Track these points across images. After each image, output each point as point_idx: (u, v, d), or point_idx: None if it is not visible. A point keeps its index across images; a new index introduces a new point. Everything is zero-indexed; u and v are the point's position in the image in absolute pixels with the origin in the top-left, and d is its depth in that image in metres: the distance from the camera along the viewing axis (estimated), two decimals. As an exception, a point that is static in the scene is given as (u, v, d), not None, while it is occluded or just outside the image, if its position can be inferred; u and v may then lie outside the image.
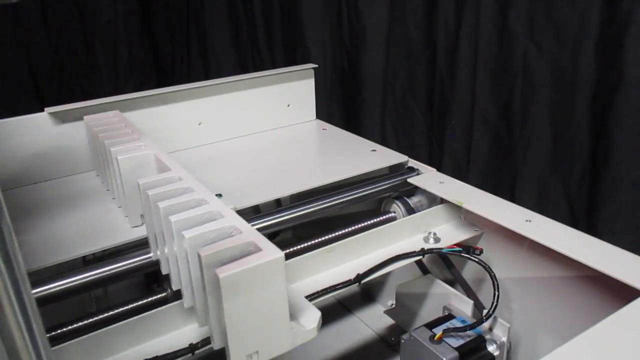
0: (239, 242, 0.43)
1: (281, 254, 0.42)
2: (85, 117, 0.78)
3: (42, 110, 0.80)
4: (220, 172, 0.84)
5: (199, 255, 0.42)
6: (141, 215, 0.66)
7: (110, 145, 0.66)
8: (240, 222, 0.47)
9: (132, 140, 0.68)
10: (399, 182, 0.81)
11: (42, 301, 0.57)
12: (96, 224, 0.68)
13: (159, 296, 0.64)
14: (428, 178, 0.80)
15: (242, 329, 0.42)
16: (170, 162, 0.61)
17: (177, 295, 0.54)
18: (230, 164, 0.88)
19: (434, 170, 0.83)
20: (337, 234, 0.73)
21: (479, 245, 0.73)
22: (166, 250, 0.51)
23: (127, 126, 0.74)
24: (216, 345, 0.45)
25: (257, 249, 0.43)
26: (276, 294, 0.43)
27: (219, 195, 0.69)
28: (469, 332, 0.64)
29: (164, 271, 0.55)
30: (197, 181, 0.55)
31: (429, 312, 0.75)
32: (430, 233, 0.72)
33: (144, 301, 0.63)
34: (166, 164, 0.60)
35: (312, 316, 0.46)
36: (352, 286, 0.62)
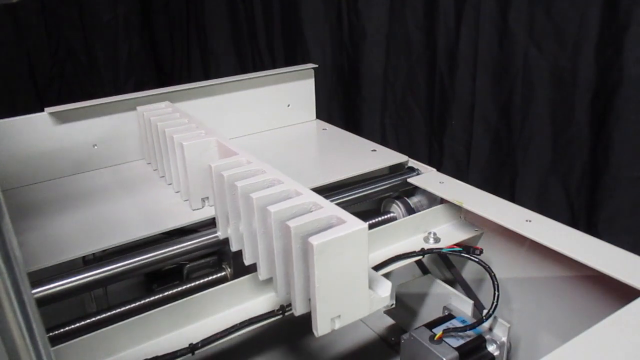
0: (324, 214, 0.46)
1: (365, 225, 0.45)
2: (138, 108, 0.81)
3: (42, 110, 0.80)
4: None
5: (287, 227, 0.44)
6: (202, 199, 0.69)
7: (172, 132, 0.69)
8: (320, 198, 0.50)
9: (192, 128, 0.71)
10: (399, 182, 0.81)
11: (42, 301, 0.57)
12: (97, 223, 0.68)
13: (217, 275, 0.69)
14: (428, 178, 0.80)
15: (329, 294, 0.45)
16: (235, 147, 0.62)
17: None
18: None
19: (434, 170, 0.83)
20: (337, 234, 0.73)
21: (479, 245, 0.73)
22: (241, 228, 0.54)
23: (182, 115, 0.76)
24: (298, 311, 0.48)
25: (340, 221, 0.46)
26: (359, 262, 0.46)
27: None
28: (469, 332, 0.64)
29: (234, 248, 0.57)
30: (266, 164, 0.57)
31: (429, 312, 0.75)
32: (430, 233, 0.72)
33: (200, 281, 0.68)
34: (232, 149, 0.62)
35: (384, 286, 0.49)
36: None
